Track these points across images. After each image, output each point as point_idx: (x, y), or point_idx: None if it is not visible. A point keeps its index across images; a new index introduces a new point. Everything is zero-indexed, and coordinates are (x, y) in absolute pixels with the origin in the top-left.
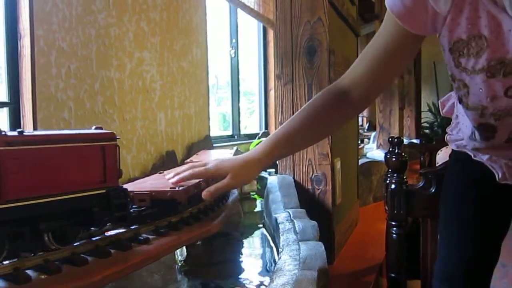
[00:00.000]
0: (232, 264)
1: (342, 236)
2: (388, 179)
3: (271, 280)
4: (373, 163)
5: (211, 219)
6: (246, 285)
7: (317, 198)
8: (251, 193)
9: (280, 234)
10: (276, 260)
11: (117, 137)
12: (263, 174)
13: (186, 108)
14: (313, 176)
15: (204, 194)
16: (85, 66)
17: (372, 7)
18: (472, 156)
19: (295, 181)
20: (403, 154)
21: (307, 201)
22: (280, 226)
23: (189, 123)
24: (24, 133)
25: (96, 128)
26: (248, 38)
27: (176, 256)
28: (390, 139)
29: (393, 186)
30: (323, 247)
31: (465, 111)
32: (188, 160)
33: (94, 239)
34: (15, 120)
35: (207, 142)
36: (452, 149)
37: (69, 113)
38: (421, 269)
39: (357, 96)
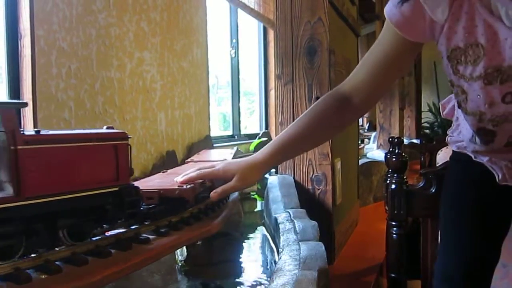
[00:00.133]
0: (232, 264)
1: (342, 236)
2: (388, 179)
3: (271, 280)
4: (374, 163)
5: (212, 219)
6: (246, 285)
7: (317, 198)
8: (251, 193)
9: (280, 234)
10: (276, 260)
11: (129, 136)
12: None
13: (186, 108)
14: (313, 176)
15: (211, 195)
16: (85, 66)
17: (373, 7)
18: (473, 157)
19: (295, 181)
20: (403, 154)
21: (307, 201)
22: (280, 226)
23: (190, 123)
24: (41, 132)
25: (107, 128)
26: (249, 38)
27: (176, 256)
28: (391, 139)
29: (393, 186)
30: (323, 247)
31: (464, 115)
32: (189, 160)
33: (94, 239)
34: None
35: (207, 142)
36: (453, 150)
37: (70, 113)
38: (421, 269)
39: (358, 101)
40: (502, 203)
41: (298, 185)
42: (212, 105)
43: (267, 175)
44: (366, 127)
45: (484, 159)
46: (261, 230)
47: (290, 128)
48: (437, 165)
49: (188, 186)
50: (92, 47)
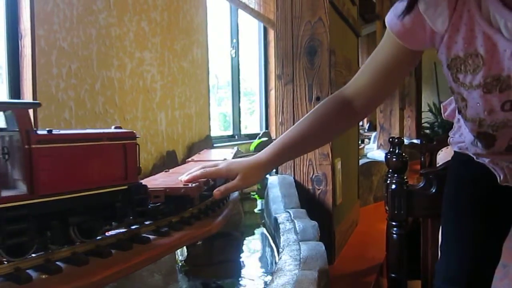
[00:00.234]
0: (232, 264)
1: (342, 236)
2: (389, 179)
3: (272, 280)
4: (374, 163)
5: (212, 219)
6: (246, 285)
7: (317, 198)
8: (252, 193)
9: (281, 234)
10: (277, 260)
11: (137, 135)
12: None
13: (186, 108)
14: (313, 176)
15: (215, 193)
16: (85, 66)
17: (373, 7)
18: (474, 158)
19: (295, 181)
20: (403, 154)
21: (308, 201)
22: (281, 226)
23: (190, 123)
24: (53, 132)
25: (115, 128)
26: (249, 38)
27: (177, 256)
28: (391, 139)
29: (393, 186)
30: (323, 247)
31: (464, 121)
32: (189, 159)
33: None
34: None
35: (208, 142)
36: (454, 151)
37: (70, 113)
38: (422, 269)
39: (360, 105)
40: (503, 203)
41: (299, 185)
42: (213, 105)
43: (267, 175)
44: (367, 127)
45: (485, 160)
46: (261, 230)
47: (292, 130)
48: (438, 165)
49: (193, 185)
50: (93, 47)
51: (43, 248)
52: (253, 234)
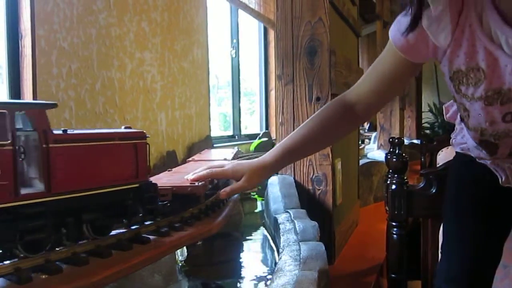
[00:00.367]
0: (232, 264)
1: (342, 236)
2: (389, 179)
3: (272, 281)
4: (374, 163)
5: (212, 219)
6: (246, 285)
7: (317, 198)
8: (252, 194)
9: (281, 235)
10: (277, 261)
11: (147, 135)
12: None
13: (186, 108)
14: (313, 177)
15: (221, 193)
16: (86, 66)
17: (373, 8)
18: (476, 159)
19: (295, 181)
20: (403, 154)
21: (308, 201)
22: (281, 226)
23: (190, 123)
24: (68, 132)
25: (125, 128)
26: (249, 39)
27: (177, 256)
28: (391, 140)
29: (393, 186)
30: (323, 248)
31: (467, 129)
32: (190, 159)
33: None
34: None
35: (208, 142)
36: (456, 152)
37: (70, 113)
38: (422, 269)
39: (362, 110)
40: (504, 204)
41: (299, 186)
42: (213, 105)
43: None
44: (367, 128)
45: (487, 162)
46: (262, 230)
47: (296, 132)
48: (438, 166)
49: (200, 183)
50: (93, 47)
51: (58, 244)
52: (253, 234)
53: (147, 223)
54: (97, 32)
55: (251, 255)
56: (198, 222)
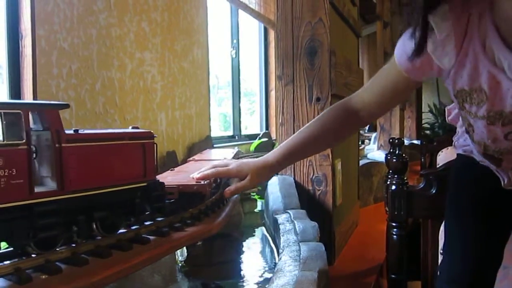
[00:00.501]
0: (232, 265)
1: (342, 237)
2: (389, 180)
3: (271, 281)
4: (374, 164)
5: (212, 220)
6: (246, 285)
7: (317, 199)
8: (252, 194)
9: (281, 235)
10: (277, 261)
11: (155, 135)
12: None
13: (187, 109)
14: (313, 177)
15: (226, 192)
16: (86, 66)
17: (374, 8)
18: (479, 162)
19: (295, 181)
20: (403, 155)
21: (308, 202)
22: (281, 226)
23: (190, 123)
24: (79, 131)
25: (132, 128)
26: (249, 39)
27: (177, 257)
28: (391, 140)
29: (393, 187)
30: (323, 248)
31: (472, 142)
32: (190, 159)
33: (96, 238)
34: None
35: (208, 143)
36: (458, 153)
37: (70, 113)
38: (422, 270)
39: (365, 115)
40: (505, 205)
41: (299, 186)
42: (213, 106)
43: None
44: (367, 128)
45: (490, 165)
46: (261, 231)
47: (300, 133)
48: (438, 166)
49: (205, 182)
50: (93, 47)
51: (69, 242)
52: (253, 234)
53: (147, 223)
54: (97, 32)
55: (251, 256)
56: (198, 223)
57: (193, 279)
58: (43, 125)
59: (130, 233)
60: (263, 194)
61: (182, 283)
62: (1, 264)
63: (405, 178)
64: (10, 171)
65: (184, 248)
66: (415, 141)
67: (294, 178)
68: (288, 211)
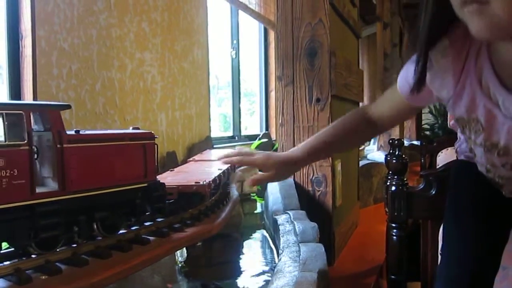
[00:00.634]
0: (232, 265)
1: (342, 237)
2: (389, 181)
3: (271, 282)
4: (374, 164)
5: (212, 220)
6: (246, 286)
7: (317, 199)
8: (252, 194)
9: (280, 236)
10: (276, 262)
11: (155, 136)
12: None
13: (187, 109)
14: (313, 178)
15: (250, 181)
16: (86, 66)
17: (374, 9)
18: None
19: (295, 182)
20: (403, 156)
21: (308, 202)
22: (280, 227)
23: (190, 124)
24: (80, 132)
25: (133, 128)
26: (249, 39)
27: (177, 257)
28: (391, 141)
29: (393, 188)
30: (323, 249)
31: (475, 160)
32: (190, 160)
33: (96, 239)
34: None
35: (208, 143)
36: (460, 160)
37: (70, 113)
38: (421, 271)
39: (380, 126)
40: (505, 205)
41: (298, 187)
42: (213, 106)
43: None
44: None
45: None
46: (261, 232)
47: (322, 133)
48: (438, 167)
49: (204, 182)
50: (93, 48)
51: (70, 242)
52: (253, 235)
53: (147, 223)
54: (97, 33)
55: (251, 256)
56: (198, 223)
57: (193, 280)
58: (45, 125)
59: (130, 234)
60: (262, 194)
61: (182, 284)
62: (1, 264)
63: (405, 179)
64: (12, 172)
65: (184, 248)
66: (415, 142)
67: (294, 179)
68: (288, 212)
